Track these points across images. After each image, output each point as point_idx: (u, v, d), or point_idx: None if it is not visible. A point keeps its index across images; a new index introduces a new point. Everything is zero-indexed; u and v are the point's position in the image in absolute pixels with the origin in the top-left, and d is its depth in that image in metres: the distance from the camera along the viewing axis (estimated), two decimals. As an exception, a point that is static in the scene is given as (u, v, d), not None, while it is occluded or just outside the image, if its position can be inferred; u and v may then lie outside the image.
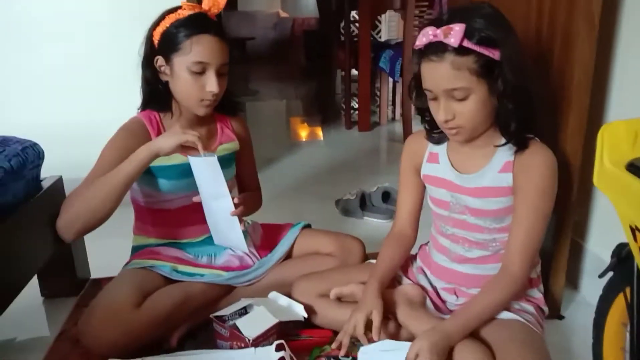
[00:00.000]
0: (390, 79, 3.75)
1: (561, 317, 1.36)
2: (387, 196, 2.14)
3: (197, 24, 1.23)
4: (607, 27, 1.30)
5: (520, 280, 1.09)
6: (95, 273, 1.63)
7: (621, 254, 0.83)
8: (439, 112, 1.06)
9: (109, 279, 1.54)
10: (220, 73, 1.26)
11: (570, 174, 1.24)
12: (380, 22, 3.87)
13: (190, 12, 1.25)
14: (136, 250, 1.38)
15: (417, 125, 3.77)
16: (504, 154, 1.12)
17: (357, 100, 3.65)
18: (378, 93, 3.90)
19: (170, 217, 1.36)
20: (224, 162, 1.37)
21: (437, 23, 1.02)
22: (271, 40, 7.84)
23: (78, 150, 2.22)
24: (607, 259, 1.32)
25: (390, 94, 3.89)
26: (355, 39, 3.57)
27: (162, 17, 1.27)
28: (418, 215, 1.31)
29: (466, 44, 0.99)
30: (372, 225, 2.04)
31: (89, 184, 1.19)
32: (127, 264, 1.34)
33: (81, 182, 1.21)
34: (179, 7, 1.27)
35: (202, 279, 1.31)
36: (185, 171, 1.26)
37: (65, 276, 1.50)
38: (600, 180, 0.80)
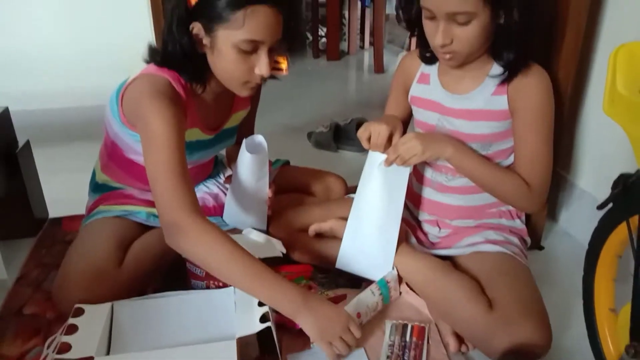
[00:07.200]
0: (359, 4, 3.56)
1: (541, 248, 1.35)
2: (361, 127, 2.06)
3: None
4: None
5: (536, 199, 1.06)
6: (52, 209, 1.51)
7: (627, 183, 0.78)
8: (437, 36, 0.97)
9: (70, 217, 1.45)
10: (271, 49, 1.02)
11: (561, 102, 1.19)
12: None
13: None
14: (101, 190, 1.25)
15: (388, 55, 3.61)
16: (498, 76, 1.05)
17: (324, 27, 3.47)
18: (344, 21, 3.72)
19: None
20: (231, 132, 1.25)
21: None
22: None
23: (24, 81, 2.04)
24: (587, 189, 1.32)
25: (359, 22, 3.73)
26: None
27: None
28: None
29: None
30: (347, 157, 1.97)
31: (175, 177, 0.93)
32: (93, 209, 1.21)
33: (156, 175, 0.94)
34: None
35: None
36: (198, 147, 1.15)
37: (21, 216, 1.38)
38: (611, 107, 0.74)
